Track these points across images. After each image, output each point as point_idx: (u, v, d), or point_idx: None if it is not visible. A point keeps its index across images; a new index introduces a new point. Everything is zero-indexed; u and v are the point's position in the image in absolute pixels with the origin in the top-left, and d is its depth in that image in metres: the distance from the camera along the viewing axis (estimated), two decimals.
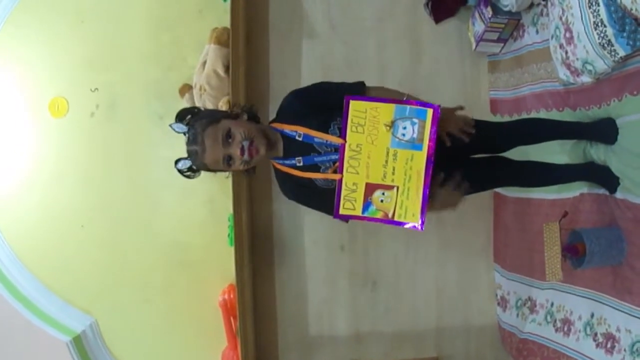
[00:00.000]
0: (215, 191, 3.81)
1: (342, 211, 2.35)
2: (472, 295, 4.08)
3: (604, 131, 2.84)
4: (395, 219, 2.31)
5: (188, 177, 2.44)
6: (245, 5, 3.77)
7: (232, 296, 3.71)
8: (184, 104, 3.78)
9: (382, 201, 2.31)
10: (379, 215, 2.33)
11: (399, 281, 4.05)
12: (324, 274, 4.03)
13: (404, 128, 2.23)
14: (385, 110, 2.24)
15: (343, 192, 2.33)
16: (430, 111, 2.22)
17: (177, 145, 2.53)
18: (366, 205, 2.33)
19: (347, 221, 2.46)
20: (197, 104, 3.69)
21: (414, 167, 2.26)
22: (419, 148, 2.24)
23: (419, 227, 2.29)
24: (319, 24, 4.04)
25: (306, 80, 3.95)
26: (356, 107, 2.25)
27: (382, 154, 2.27)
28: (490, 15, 3.64)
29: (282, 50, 4.02)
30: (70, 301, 3.88)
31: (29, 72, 3.93)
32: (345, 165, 2.30)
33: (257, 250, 3.90)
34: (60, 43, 3.93)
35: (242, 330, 3.57)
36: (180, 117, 2.42)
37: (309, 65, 4.02)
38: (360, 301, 4.05)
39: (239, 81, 3.59)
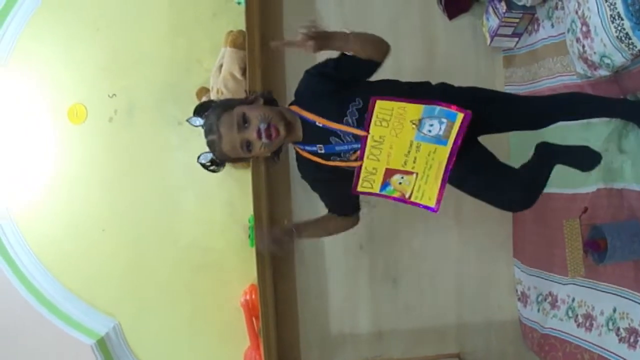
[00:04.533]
0: (234, 193, 3.83)
1: (359, 189, 2.39)
2: (493, 291, 4.08)
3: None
4: (412, 199, 2.37)
5: (212, 170, 2.43)
6: (260, 8, 3.78)
7: (253, 296, 3.72)
8: None
9: (400, 183, 2.35)
10: (396, 194, 2.38)
11: (419, 278, 4.06)
12: (344, 273, 4.04)
13: (431, 125, 2.23)
14: (413, 110, 2.23)
15: (362, 174, 2.35)
16: (461, 116, 2.21)
17: (196, 149, 2.53)
18: (384, 185, 2.37)
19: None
20: None
21: (436, 158, 2.28)
22: (444, 143, 2.25)
23: (434, 209, 2.34)
24: (332, 25, 4.00)
25: None
26: (382, 106, 2.23)
27: (405, 146, 2.27)
28: (504, 10, 3.63)
29: (298, 52, 4.00)
30: (93, 304, 3.92)
31: (47, 79, 3.97)
32: (367, 153, 2.30)
33: None
34: (77, 50, 3.97)
35: (265, 330, 3.59)
36: (197, 111, 2.40)
37: None
38: (381, 299, 4.06)
39: (255, 84, 3.59)
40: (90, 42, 3.96)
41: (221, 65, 3.69)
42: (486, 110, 2.41)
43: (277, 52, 2.36)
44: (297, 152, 2.52)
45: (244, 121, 2.25)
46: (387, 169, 2.34)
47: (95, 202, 3.94)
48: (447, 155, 2.27)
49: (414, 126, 2.23)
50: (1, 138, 3.96)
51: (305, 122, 2.38)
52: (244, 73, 3.61)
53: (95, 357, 3.82)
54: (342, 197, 2.58)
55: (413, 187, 2.35)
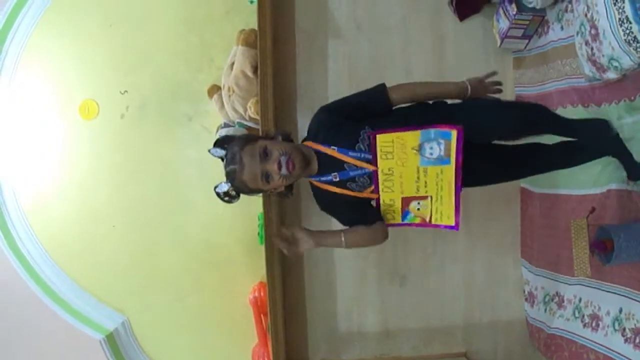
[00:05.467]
0: None
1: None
2: (500, 291, 4.09)
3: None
4: (433, 222, 2.51)
5: (227, 201, 2.53)
6: (272, 7, 3.80)
7: (262, 294, 3.75)
8: (213, 104, 3.83)
9: (418, 209, 2.50)
10: (418, 220, 2.53)
11: (428, 277, 4.07)
12: (353, 271, 4.06)
13: (431, 148, 2.35)
14: (412, 137, 2.35)
15: (382, 208, 2.51)
16: (454, 132, 2.32)
17: (206, 146, 2.57)
18: (405, 214, 2.52)
19: None
20: (226, 105, 3.74)
21: (444, 178, 2.41)
22: (447, 162, 2.37)
23: (455, 228, 2.48)
24: (344, 24, 4.07)
25: (333, 79, 4.00)
26: (383, 140, 2.36)
27: (413, 173, 2.41)
28: (514, 12, 3.64)
29: (309, 51, 4.05)
30: (103, 300, 3.95)
31: (59, 74, 3.99)
32: (381, 187, 2.45)
33: None
34: (90, 46, 3.99)
35: (273, 327, 3.60)
36: (218, 143, 2.50)
37: (335, 65, 4.04)
38: (389, 297, 4.08)
39: (267, 82, 3.61)
40: (103, 38, 3.97)
41: (233, 64, 3.71)
42: (473, 123, 2.47)
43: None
44: (313, 185, 2.63)
45: (265, 154, 2.36)
46: (403, 198, 2.48)
47: (106, 198, 3.96)
48: (453, 173, 2.39)
49: (415, 152, 2.36)
50: (13, 132, 3.98)
51: (319, 154, 2.51)
52: (255, 71, 3.63)
53: (104, 352, 3.84)
54: (362, 213, 2.65)
55: (431, 210, 2.49)
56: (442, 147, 2.34)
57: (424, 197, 2.46)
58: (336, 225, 2.72)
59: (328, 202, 2.64)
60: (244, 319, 3.83)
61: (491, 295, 4.09)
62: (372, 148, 2.38)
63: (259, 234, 3.72)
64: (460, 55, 4.09)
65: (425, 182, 2.42)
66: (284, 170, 2.35)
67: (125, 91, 3.97)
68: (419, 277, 4.07)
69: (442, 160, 2.36)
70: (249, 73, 3.63)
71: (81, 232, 3.96)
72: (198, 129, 3.93)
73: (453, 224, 2.48)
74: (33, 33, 3.98)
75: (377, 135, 2.36)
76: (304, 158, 2.45)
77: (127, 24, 4.00)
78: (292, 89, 4.01)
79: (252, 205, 3.73)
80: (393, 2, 4.09)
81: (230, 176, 2.43)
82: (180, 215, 3.97)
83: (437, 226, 2.51)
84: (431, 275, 4.07)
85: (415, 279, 4.08)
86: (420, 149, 2.35)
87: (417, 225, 2.56)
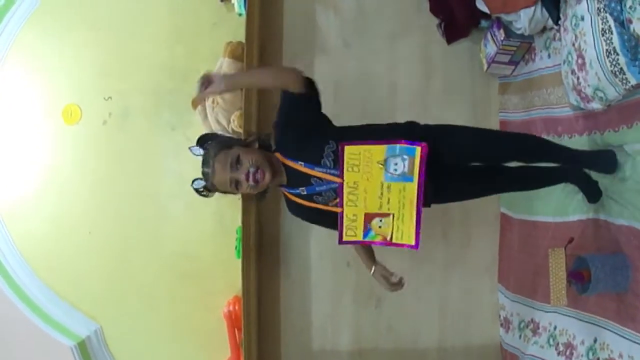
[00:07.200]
0: (223, 203, 3.81)
1: (345, 238, 2.58)
2: (476, 315, 4.07)
3: (603, 162, 2.88)
4: (394, 241, 2.54)
5: (204, 196, 2.64)
6: (260, 20, 3.80)
7: (237, 308, 3.72)
8: (197, 115, 3.81)
9: (380, 227, 2.54)
10: (379, 239, 2.56)
11: (403, 299, 4.02)
12: (329, 289, 4.04)
13: (395, 164, 2.43)
14: (378, 151, 2.43)
15: (345, 223, 2.54)
16: (418, 149, 2.40)
17: (187, 156, 2.60)
18: (366, 231, 2.55)
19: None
20: (210, 117, 3.72)
21: (406, 196, 2.46)
22: (410, 180, 2.44)
23: (415, 247, 2.51)
24: (332, 41, 4.06)
25: None
26: (350, 151, 2.43)
27: (377, 188, 2.47)
28: (502, 38, 3.66)
29: (295, 65, 4.00)
30: (76, 306, 3.92)
31: (44, 78, 3.98)
32: (345, 199, 2.50)
33: (263, 263, 3.91)
34: (76, 50, 3.98)
35: (246, 342, 3.58)
36: (199, 141, 2.62)
37: (321, 81, 3.93)
38: (364, 317, 4.06)
39: (251, 95, 3.61)
40: (89, 43, 3.96)
41: None
42: (445, 145, 2.58)
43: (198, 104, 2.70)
44: (284, 194, 2.73)
45: (237, 162, 2.45)
46: (366, 214, 2.52)
47: (84, 203, 3.93)
48: (415, 192, 2.45)
49: (381, 167, 2.43)
50: None
51: (287, 168, 2.58)
52: None
53: (74, 359, 3.80)
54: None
55: (392, 229, 2.53)
56: (407, 164, 2.41)
57: (387, 215, 2.50)
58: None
59: (301, 212, 2.75)
60: (218, 333, 3.79)
61: (466, 319, 4.07)
62: (339, 159, 2.44)
63: (236, 247, 3.69)
64: (447, 78, 4.10)
65: (389, 199, 2.47)
66: (251, 182, 2.44)
67: (109, 97, 3.95)
68: (394, 299, 4.02)
69: (405, 177, 2.43)
70: None
71: (57, 237, 3.93)
72: (180, 139, 3.90)
73: (413, 243, 2.51)
74: (19, 35, 3.96)
75: (345, 147, 2.42)
76: (273, 169, 2.52)
77: (115, 31, 4.00)
78: (276, 103, 3.97)
79: (230, 219, 3.72)
80: (382, 22, 4.09)
81: (204, 177, 2.54)
82: (158, 225, 3.95)
83: (397, 245, 2.55)
84: (407, 298, 4.01)
85: (391, 301, 4.04)
86: (385, 163, 2.42)
87: (378, 243, 2.59)
